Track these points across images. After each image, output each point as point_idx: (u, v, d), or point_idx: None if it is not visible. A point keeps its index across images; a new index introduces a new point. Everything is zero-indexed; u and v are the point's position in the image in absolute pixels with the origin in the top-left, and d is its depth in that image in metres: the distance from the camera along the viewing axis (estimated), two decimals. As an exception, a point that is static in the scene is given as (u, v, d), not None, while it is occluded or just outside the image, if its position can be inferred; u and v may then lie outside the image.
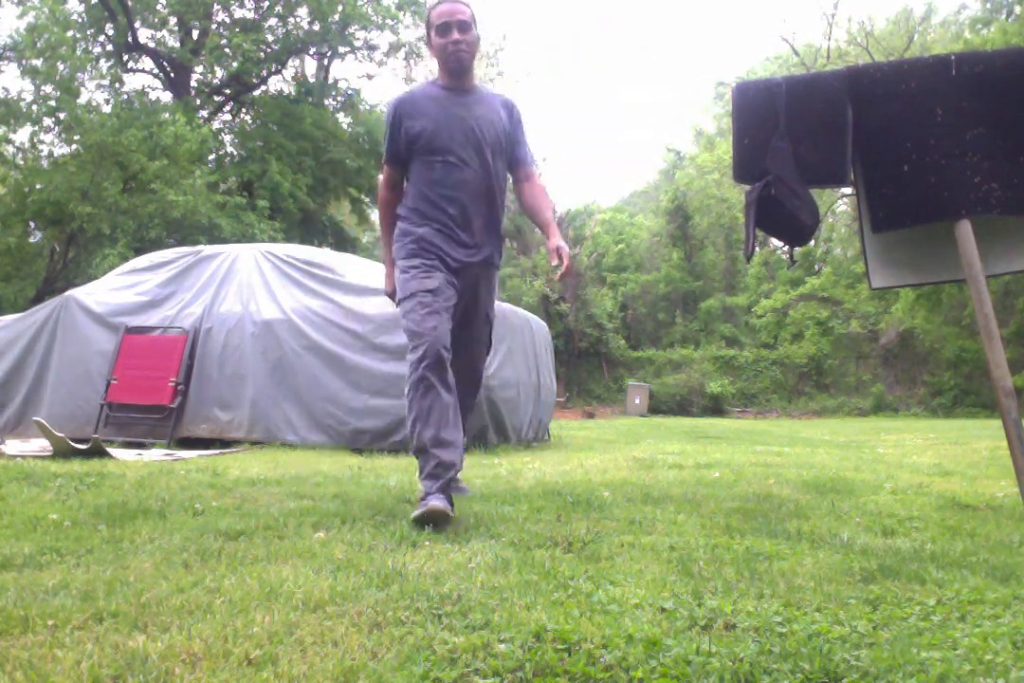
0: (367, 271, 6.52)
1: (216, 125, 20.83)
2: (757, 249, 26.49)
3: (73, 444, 4.59)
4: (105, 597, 1.58)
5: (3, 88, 19.50)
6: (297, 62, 21.92)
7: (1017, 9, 20.13)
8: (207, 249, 6.89)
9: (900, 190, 2.76)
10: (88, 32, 18.98)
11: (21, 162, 17.31)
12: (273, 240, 16.06)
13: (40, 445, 5.08)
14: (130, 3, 18.25)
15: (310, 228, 20.17)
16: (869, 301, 24.44)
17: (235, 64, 19.63)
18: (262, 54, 19.67)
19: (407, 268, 2.70)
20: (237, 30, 19.59)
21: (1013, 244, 2.83)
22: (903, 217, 2.79)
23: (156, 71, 20.59)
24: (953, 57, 2.76)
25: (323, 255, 6.91)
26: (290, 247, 7.07)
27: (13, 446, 5.10)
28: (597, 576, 1.80)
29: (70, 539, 2.13)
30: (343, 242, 21.07)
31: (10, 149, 17.23)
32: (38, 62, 15.87)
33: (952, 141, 2.68)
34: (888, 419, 19.86)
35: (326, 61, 21.75)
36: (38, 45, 15.48)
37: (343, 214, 23.12)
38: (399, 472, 3.96)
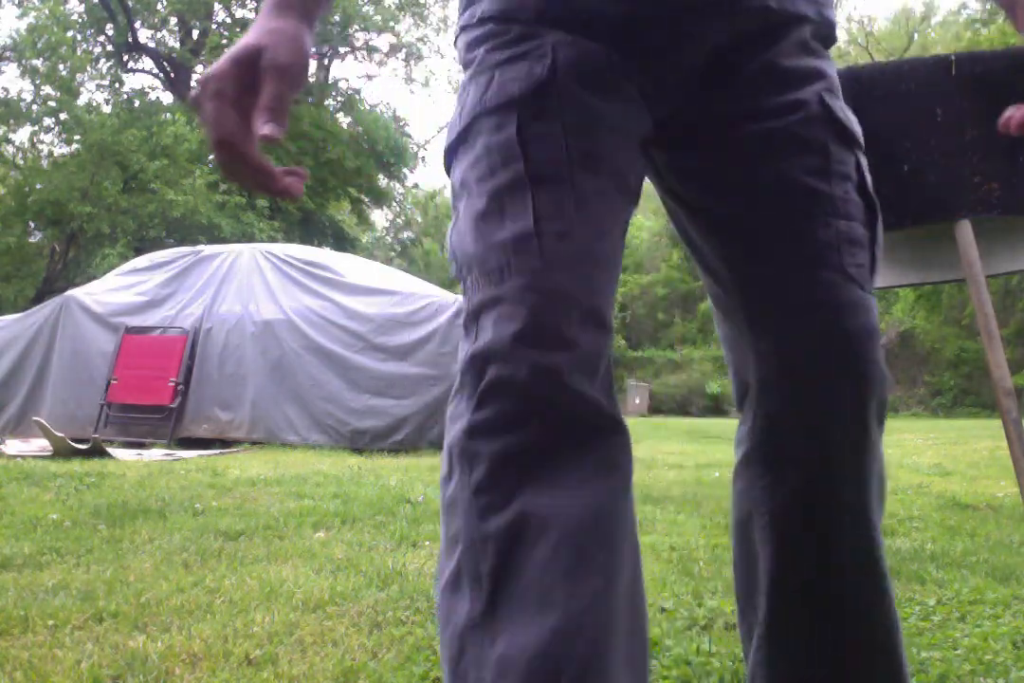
0: (367, 271, 6.52)
1: (216, 125, 20.80)
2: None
3: (73, 444, 4.59)
4: (105, 597, 1.58)
5: (3, 88, 19.53)
6: (297, 62, 21.89)
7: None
8: (207, 249, 6.89)
9: (900, 190, 2.76)
10: (88, 32, 18.95)
11: (21, 162, 17.30)
12: (273, 240, 16.04)
13: (40, 445, 5.08)
14: (130, 3, 18.25)
15: (310, 228, 20.15)
16: (869, 301, 24.42)
17: (235, 64, 19.63)
18: (262, 54, 19.66)
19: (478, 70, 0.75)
20: (237, 30, 19.57)
21: (1013, 244, 2.84)
22: (903, 217, 2.79)
23: (156, 71, 20.59)
24: (953, 57, 2.76)
25: (323, 255, 6.92)
26: (290, 247, 7.08)
27: (13, 446, 5.10)
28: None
29: (70, 539, 2.12)
30: (343, 242, 21.04)
31: (10, 149, 17.23)
32: (38, 62, 15.87)
33: (952, 141, 2.68)
34: (888, 419, 19.75)
35: (326, 61, 21.76)
36: (38, 45, 15.49)
37: (343, 214, 23.09)
38: (399, 472, 3.96)
